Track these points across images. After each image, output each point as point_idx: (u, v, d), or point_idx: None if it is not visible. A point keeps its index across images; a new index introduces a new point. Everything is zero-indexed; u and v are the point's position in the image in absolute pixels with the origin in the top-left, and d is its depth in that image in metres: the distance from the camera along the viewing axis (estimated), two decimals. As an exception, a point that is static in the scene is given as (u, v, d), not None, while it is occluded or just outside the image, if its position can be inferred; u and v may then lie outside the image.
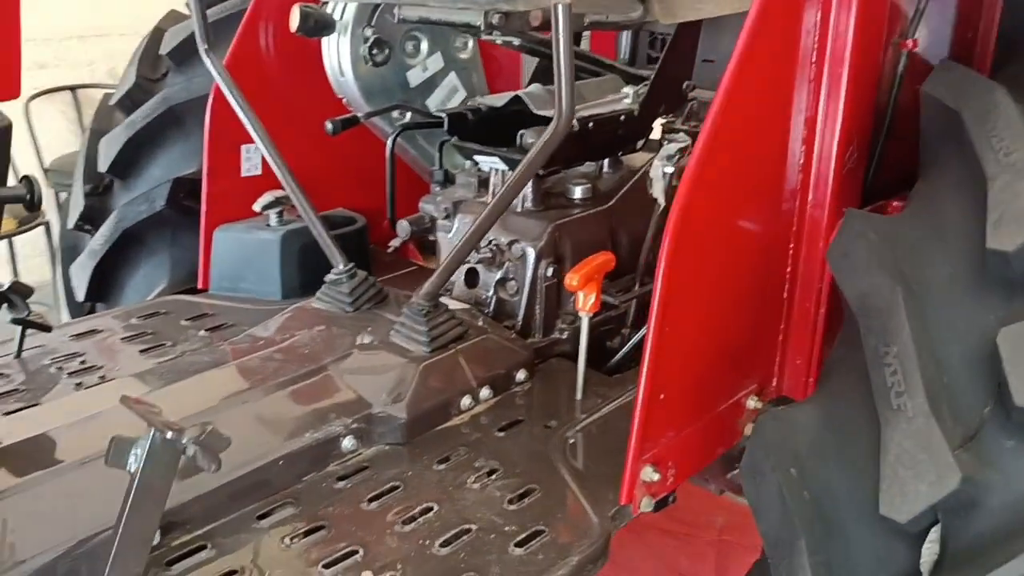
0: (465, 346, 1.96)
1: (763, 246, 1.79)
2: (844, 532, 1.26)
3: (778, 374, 1.93)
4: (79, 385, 2.02)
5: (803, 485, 1.32)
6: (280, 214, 2.51)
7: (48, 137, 5.79)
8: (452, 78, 2.70)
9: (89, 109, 5.96)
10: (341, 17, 2.43)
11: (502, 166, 2.21)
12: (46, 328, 2.12)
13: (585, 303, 1.88)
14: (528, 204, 2.21)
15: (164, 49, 2.85)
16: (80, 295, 2.78)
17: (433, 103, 2.69)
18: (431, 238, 2.44)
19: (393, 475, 1.69)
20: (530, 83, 2.54)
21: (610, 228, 2.26)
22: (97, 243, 2.73)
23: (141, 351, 2.19)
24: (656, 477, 1.61)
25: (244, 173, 2.55)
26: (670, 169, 2.04)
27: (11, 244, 5.40)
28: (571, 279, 1.86)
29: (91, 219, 2.83)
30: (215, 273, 2.54)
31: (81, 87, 5.96)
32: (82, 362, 2.13)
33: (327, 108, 2.65)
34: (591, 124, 2.13)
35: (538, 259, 2.11)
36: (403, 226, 2.37)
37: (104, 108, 3.09)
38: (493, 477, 1.68)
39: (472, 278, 2.22)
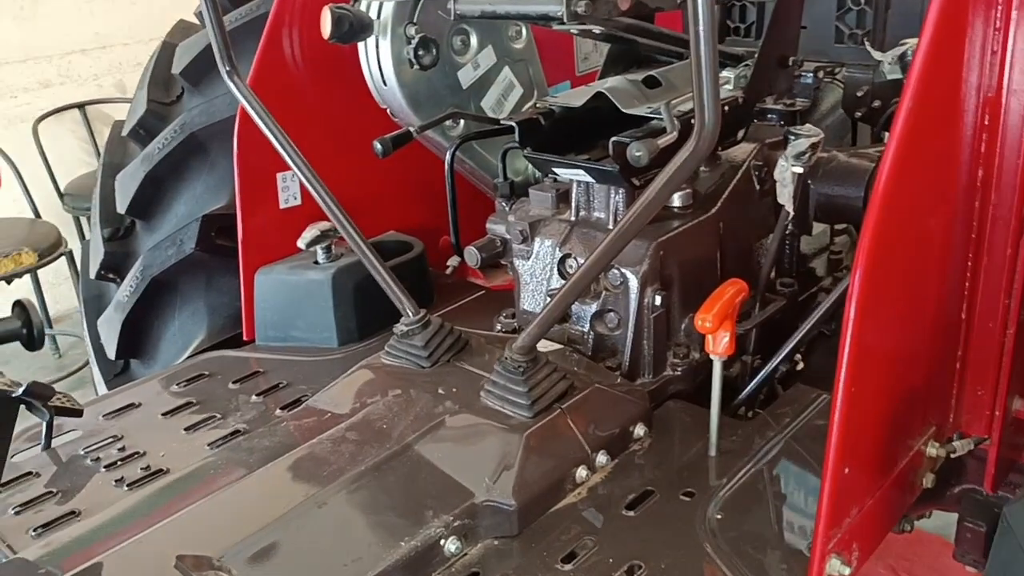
0: (572, 403, 1.63)
1: (941, 259, 1.45)
2: None
3: (955, 409, 1.59)
4: (120, 481, 1.73)
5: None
6: (328, 248, 2.19)
7: (61, 159, 5.51)
8: (506, 73, 2.35)
9: (100, 124, 5.65)
10: (378, 16, 2.08)
11: (587, 178, 1.87)
12: (76, 413, 1.83)
13: (718, 345, 1.55)
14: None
15: (176, 68, 2.52)
16: (111, 352, 2.48)
17: (488, 104, 2.34)
18: (503, 262, 2.11)
19: (512, 583, 1.38)
20: (603, 74, 2.19)
21: (718, 239, 1.91)
22: (124, 294, 2.41)
23: (186, 428, 1.88)
24: (846, 571, 1.28)
25: (283, 205, 2.24)
26: (800, 169, 1.69)
27: (36, 278, 5.12)
28: (703, 320, 1.52)
29: (114, 267, 2.52)
30: (260, 321, 2.23)
31: (89, 103, 5.66)
32: (121, 449, 1.84)
33: (363, 121, 2.32)
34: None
35: (643, 287, 1.77)
36: (472, 253, 2.03)
37: (116, 138, 2.76)
38: (636, 578, 1.36)
39: (562, 311, 1.89)
